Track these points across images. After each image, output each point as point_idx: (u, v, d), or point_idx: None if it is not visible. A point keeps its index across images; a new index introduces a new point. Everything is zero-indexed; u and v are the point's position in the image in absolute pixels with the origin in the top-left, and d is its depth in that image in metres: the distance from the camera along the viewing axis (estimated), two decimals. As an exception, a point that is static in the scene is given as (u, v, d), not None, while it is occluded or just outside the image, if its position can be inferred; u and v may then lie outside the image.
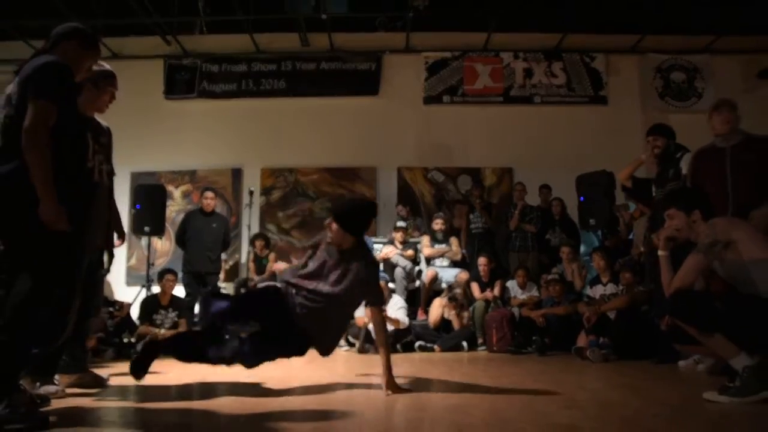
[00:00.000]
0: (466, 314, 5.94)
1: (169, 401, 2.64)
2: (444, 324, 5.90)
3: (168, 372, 3.82)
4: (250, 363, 2.65)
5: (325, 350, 2.73)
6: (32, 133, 2.02)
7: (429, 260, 6.67)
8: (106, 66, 2.99)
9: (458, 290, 6.07)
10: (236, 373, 3.78)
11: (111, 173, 3.09)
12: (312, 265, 2.75)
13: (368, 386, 2.32)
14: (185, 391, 2.96)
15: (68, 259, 2.12)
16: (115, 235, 3.31)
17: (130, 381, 3.08)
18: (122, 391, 2.83)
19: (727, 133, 3.58)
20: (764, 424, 2.15)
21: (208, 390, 3.01)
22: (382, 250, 6.53)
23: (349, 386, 2.56)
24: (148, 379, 3.32)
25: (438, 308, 5.90)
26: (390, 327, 5.73)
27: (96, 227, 2.87)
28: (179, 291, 6.27)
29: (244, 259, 7.75)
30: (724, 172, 3.53)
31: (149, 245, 6.83)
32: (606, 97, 8.27)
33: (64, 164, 2.12)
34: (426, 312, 6.11)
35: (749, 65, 8.15)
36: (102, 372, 3.16)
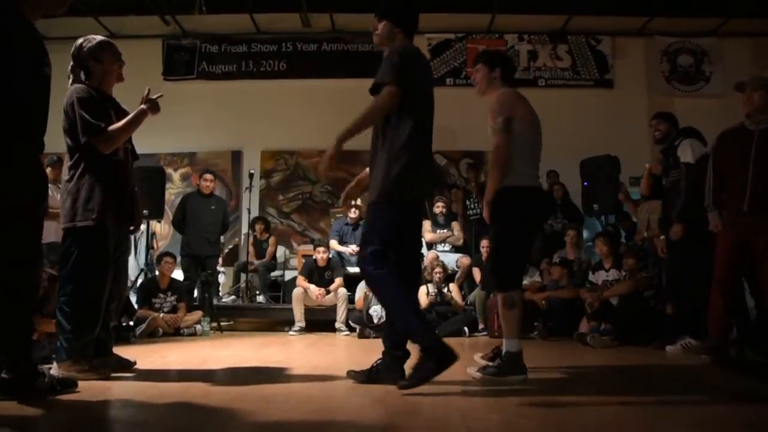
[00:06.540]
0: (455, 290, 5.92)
1: (169, 383, 2.62)
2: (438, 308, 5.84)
3: (169, 356, 3.81)
4: None
5: None
6: None
7: (430, 245, 6.62)
8: (98, 37, 2.88)
9: (436, 270, 5.88)
10: (232, 357, 3.77)
11: (134, 153, 2.99)
12: None
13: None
14: (185, 376, 2.94)
15: None
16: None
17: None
18: (125, 377, 2.80)
19: (755, 114, 3.27)
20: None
21: (207, 375, 2.99)
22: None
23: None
24: (149, 363, 3.31)
25: (424, 295, 5.80)
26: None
27: (120, 206, 2.79)
28: (178, 274, 6.25)
29: (243, 243, 7.72)
30: (747, 157, 3.26)
31: (148, 228, 6.78)
32: (612, 80, 8.16)
33: (22, 123, 1.91)
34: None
35: (759, 49, 8.02)
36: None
